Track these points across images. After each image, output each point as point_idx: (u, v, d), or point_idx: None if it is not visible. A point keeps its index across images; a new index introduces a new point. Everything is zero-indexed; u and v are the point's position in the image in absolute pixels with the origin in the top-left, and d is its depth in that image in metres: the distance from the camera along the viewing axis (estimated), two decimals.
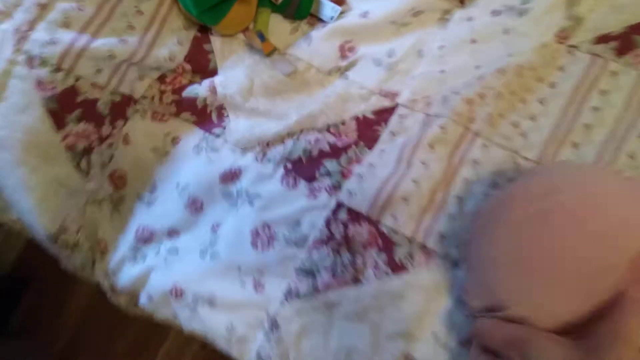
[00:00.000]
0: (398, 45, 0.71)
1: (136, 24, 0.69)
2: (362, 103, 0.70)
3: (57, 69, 0.64)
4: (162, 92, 0.73)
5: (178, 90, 0.74)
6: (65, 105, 0.66)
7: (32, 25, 0.64)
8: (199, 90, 0.72)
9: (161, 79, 0.74)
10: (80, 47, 0.64)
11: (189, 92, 0.73)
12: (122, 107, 0.71)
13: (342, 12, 0.74)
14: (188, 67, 0.74)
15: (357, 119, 0.70)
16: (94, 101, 0.68)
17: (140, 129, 0.74)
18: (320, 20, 0.76)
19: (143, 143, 0.74)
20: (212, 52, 0.75)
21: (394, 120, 0.69)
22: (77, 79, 0.66)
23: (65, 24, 0.64)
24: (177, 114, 0.74)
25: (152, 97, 0.73)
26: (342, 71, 0.72)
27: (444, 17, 0.71)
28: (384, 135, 0.68)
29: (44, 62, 0.64)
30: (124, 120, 0.72)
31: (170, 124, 0.74)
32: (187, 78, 0.74)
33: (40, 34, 0.64)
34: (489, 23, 0.69)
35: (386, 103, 0.70)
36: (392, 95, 0.70)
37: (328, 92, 0.71)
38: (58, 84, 0.65)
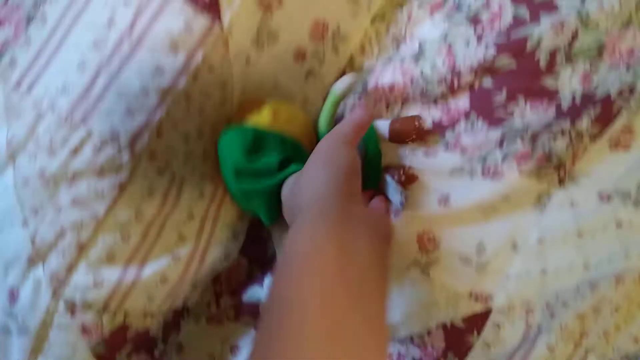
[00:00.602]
0: (488, 236, 0.61)
1: (187, 232, 0.59)
2: (450, 308, 0.60)
3: (104, 310, 0.54)
4: (218, 296, 0.64)
5: (236, 292, 0.64)
6: (114, 345, 0.58)
7: (70, 268, 0.54)
8: (262, 293, 0.62)
9: (215, 279, 0.63)
10: (129, 283, 0.55)
11: (250, 296, 0.63)
12: (175, 321, 0.63)
13: (416, 192, 0.63)
14: (244, 260, 0.63)
15: (444, 327, 0.59)
16: (146, 331, 0.60)
17: (194, 334, 0.66)
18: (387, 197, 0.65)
19: (198, 349, 0.66)
20: (269, 238, 0.64)
21: (488, 328, 0.59)
22: (126, 315, 0.57)
23: (110, 259, 0.54)
24: (236, 318, 0.64)
25: (208, 303, 0.63)
26: (422, 268, 0.62)
27: (541, 199, 0.59)
28: (477, 347, 0.59)
29: (87, 306, 0.54)
30: (177, 332, 0.62)
31: (228, 328, 0.66)
32: (244, 272, 0.64)
33: (81, 276, 0.54)
34: (597, 212, 0.58)
35: (478, 308, 0.59)
36: (485, 298, 0.59)
37: (408, 294, 0.60)
38: (105, 326, 0.56)
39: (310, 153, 0.56)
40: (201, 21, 0.51)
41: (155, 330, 0.60)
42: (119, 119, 0.51)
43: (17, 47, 0.56)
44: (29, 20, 0.57)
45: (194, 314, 0.64)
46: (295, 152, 0.54)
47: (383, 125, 0.60)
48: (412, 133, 0.60)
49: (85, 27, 0.53)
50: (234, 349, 0.65)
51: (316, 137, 0.59)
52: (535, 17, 0.54)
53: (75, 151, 0.52)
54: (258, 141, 0.53)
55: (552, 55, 0.55)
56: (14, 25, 0.57)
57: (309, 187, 0.45)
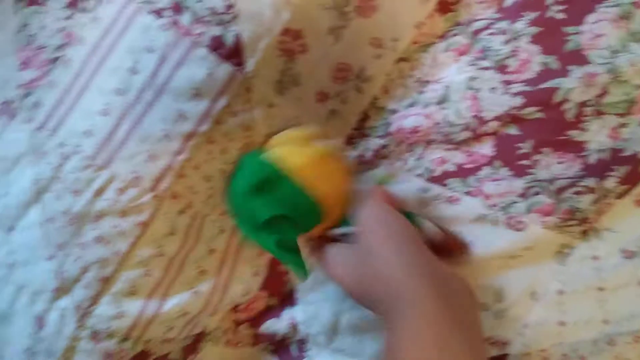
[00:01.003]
0: (507, 283, 0.60)
1: (208, 267, 0.60)
2: None
3: (125, 339, 0.57)
4: (237, 324, 0.65)
5: (255, 322, 0.66)
6: None
7: (95, 300, 0.56)
8: (279, 326, 0.65)
9: (234, 307, 0.65)
10: (150, 315, 0.57)
11: (268, 328, 0.65)
12: (194, 345, 0.65)
13: None
14: (264, 293, 0.65)
15: None
16: (166, 355, 0.62)
17: (212, 354, 0.68)
18: None
19: None
20: (288, 273, 0.65)
21: None
22: (146, 343, 0.59)
23: (132, 293, 0.57)
24: (253, 345, 0.66)
25: (226, 329, 0.65)
26: None
27: (563, 250, 0.58)
28: None
29: (110, 335, 0.57)
30: (195, 354, 0.65)
31: (246, 352, 0.68)
32: (263, 304, 0.65)
33: (104, 308, 0.57)
34: (620, 268, 0.57)
35: (494, 352, 0.59)
36: (502, 344, 0.59)
37: None
38: (127, 352, 0.59)
39: (335, 213, 0.53)
40: (225, 69, 0.51)
41: (175, 353, 0.62)
42: (142, 162, 0.53)
43: (42, 89, 0.58)
44: (54, 62, 0.58)
45: (212, 337, 0.66)
46: (302, 213, 0.51)
47: (428, 226, 0.58)
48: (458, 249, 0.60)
49: (109, 72, 0.54)
50: None
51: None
52: (564, 69, 0.53)
53: (99, 192, 0.53)
54: (268, 183, 0.49)
55: (580, 108, 0.53)
56: (39, 67, 0.59)
57: (382, 277, 0.43)
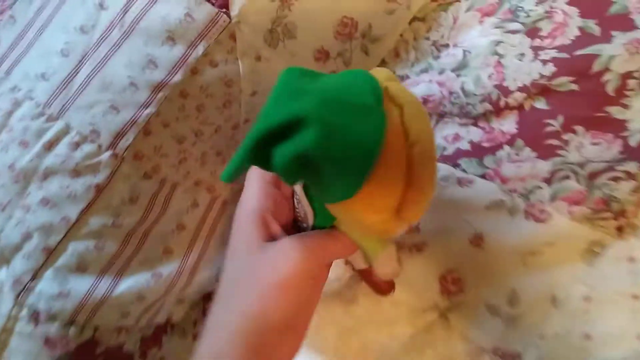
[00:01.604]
0: (523, 285, 0.52)
1: (175, 245, 0.51)
2: None
3: (70, 323, 0.48)
4: (206, 314, 0.55)
5: None
6: None
7: (36, 274, 0.47)
8: None
9: (206, 295, 0.55)
10: (99, 296, 0.48)
11: None
12: (156, 336, 0.56)
13: (444, 225, 0.54)
14: None
15: None
16: (119, 346, 0.53)
17: (179, 349, 0.60)
18: None
19: None
20: None
21: None
22: (96, 330, 0.51)
23: (80, 269, 0.48)
24: None
25: (195, 321, 0.56)
26: (442, 312, 0.53)
27: (593, 249, 0.49)
28: None
29: (52, 317, 0.49)
30: (159, 347, 0.55)
31: None
32: None
33: (46, 284, 0.49)
34: None
35: None
36: (512, 356, 0.50)
37: (420, 340, 0.52)
38: (72, 339, 0.50)
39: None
40: (205, 10, 0.43)
41: (132, 345, 0.54)
42: (101, 114, 0.44)
43: (0, 25, 0.49)
44: None
45: (179, 329, 0.57)
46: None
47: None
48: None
49: (74, 6, 0.46)
50: None
51: None
52: (606, 34, 0.45)
53: (50, 146, 0.45)
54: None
55: (624, 80, 0.46)
56: None
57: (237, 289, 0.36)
